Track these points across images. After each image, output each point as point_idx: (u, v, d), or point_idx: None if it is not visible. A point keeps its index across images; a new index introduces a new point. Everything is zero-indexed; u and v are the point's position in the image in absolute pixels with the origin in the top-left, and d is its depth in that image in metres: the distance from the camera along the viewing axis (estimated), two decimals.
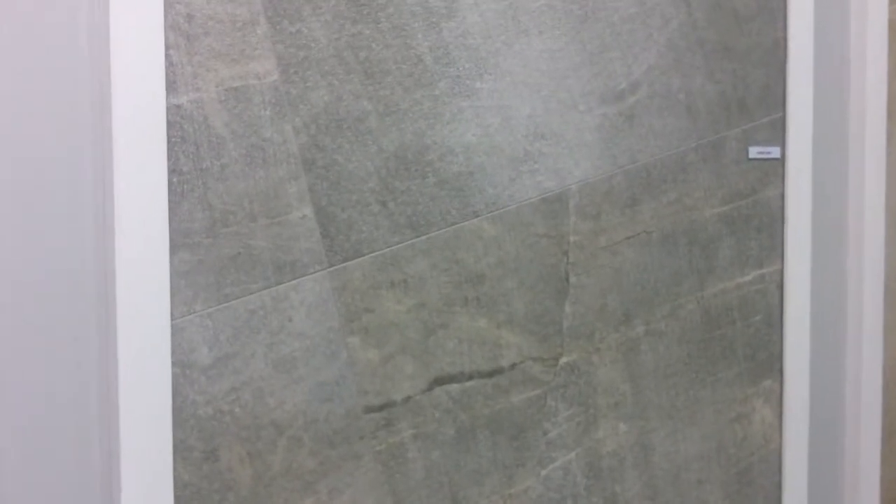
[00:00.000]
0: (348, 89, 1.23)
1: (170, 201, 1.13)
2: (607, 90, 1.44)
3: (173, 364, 1.14)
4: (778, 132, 1.61)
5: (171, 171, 1.13)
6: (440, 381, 1.33)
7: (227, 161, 1.16)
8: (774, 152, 1.60)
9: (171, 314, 1.13)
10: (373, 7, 1.24)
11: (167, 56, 1.12)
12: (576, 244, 1.43)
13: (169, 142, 1.12)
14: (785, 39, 1.60)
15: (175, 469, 1.14)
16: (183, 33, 1.13)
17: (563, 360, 1.44)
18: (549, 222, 1.41)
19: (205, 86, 1.14)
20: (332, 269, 1.24)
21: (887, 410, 1.76)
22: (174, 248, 1.13)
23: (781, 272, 1.63)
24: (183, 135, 1.13)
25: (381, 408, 1.28)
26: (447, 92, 1.30)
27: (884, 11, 1.69)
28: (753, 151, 1.59)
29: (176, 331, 1.14)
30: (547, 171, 1.40)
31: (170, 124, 1.12)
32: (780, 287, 1.63)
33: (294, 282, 1.21)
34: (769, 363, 1.63)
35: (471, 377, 1.35)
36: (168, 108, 1.12)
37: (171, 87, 1.12)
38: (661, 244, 1.51)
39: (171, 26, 1.12)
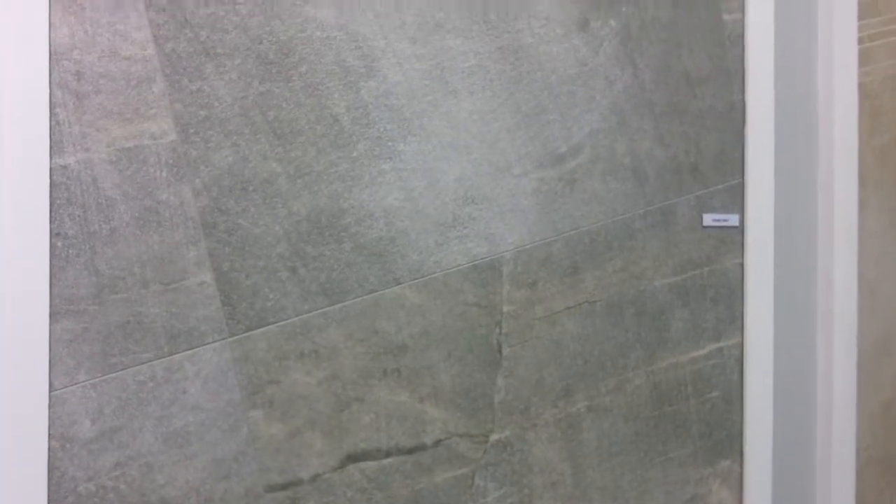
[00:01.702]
0: (255, 150, 1.14)
1: (52, 266, 1.04)
2: (545, 153, 1.33)
3: (51, 437, 1.04)
4: (736, 199, 1.48)
5: (55, 235, 1.04)
6: (354, 458, 1.21)
7: (117, 224, 1.07)
8: (732, 220, 1.48)
9: (51, 385, 1.04)
10: (284, 66, 1.15)
11: (53, 114, 1.04)
12: (510, 314, 1.32)
13: (53, 204, 1.03)
14: (743, 102, 1.48)
15: None
16: (71, 91, 1.05)
17: (494, 436, 1.31)
18: (480, 291, 1.29)
19: (94, 146, 1.06)
20: (233, 338, 1.13)
21: (861, 496, 1.59)
22: (56, 315, 1.04)
23: (741, 345, 1.49)
24: (69, 196, 1.05)
25: (285, 486, 1.16)
26: (366, 153, 1.21)
27: (853, 74, 1.57)
28: (708, 219, 1.46)
29: (55, 402, 1.04)
30: (477, 236, 1.29)
31: (54, 185, 1.04)
32: (740, 361, 1.49)
33: (190, 352, 1.11)
34: (728, 442, 1.48)
35: (389, 454, 1.23)
36: (53, 169, 1.04)
37: (57, 146, 1.04)
38: (605, 315, 1.39)
39: (58, 84, 1.04)
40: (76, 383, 1.05)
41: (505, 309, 1.31)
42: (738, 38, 1.46)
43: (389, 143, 1.21)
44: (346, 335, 1.20)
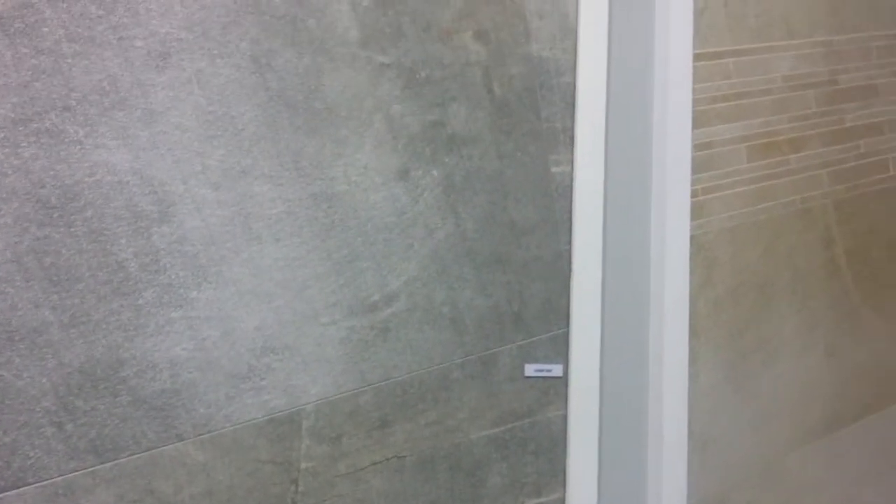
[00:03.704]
0: (26, 297, 1.09)
1: None
2: (357, 302, 1.30)
3: None
4: (560, 349, 1.47)
5: None
6: None
7: None
8: (556, 370, 1.46)
9: None
10: (66, 210, 1.11)
11: None
12: (308, 471, 1.26)
13: None
14: (569, 252, 1.49)
15: None
16: None
17: None
18: (276, 446, 1.24)
19: None
20: None
21: None
22: None
23: (563, 500, 1.46)
24: None
25: None
26: (153, 301, 1.16)
27: (686, 227, 1.60)
28: (530, 369, 1.45)
29: None
30: (275, 388, 1.24)
31: None
32: None
33: None
34: None
35: None
36: None
37: None
38: (416, 470, 1.35)
39: None
40: None
41: (303, 466, 1.25)
42: (566, 190, 1.47)
43: (181, 291, 1.17)
44: (116, 496, 1.13)
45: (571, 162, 1.46)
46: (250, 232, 1.22)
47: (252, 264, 1.22)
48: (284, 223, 1.24)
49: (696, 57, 1.57)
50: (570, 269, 1.47)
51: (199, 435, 1.17)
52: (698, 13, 1.57)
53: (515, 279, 1.42)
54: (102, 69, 1.11)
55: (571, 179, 1.47)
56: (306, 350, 1.25)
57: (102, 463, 1.11)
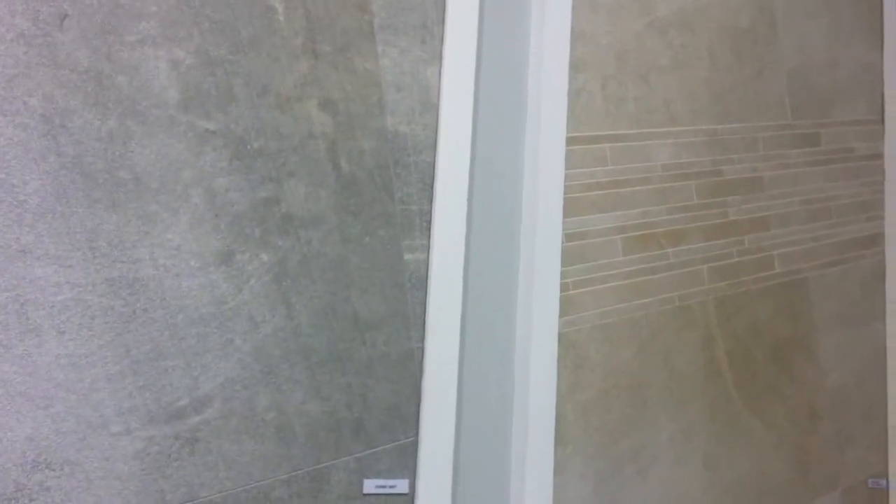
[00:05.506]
0: None
1: None
2: (158, 407, 1.12)
3: None
4: (407, 461, 1.31)
5: None
6: None
7: None
8: (400, 486, 1.30)
9: None
10: None
11: None
12: None
13: None
14: (422, 351, 1.34)
15: None
16: None
17: None
18: None
19: None
20: None
21: None
22: None
23: None
24: None
25: None
26: None
27: (554, 323, 1.47)
28: (370, 485, 1.28)
29: None
30: None
31: None
32: None
33: None
34: None
35: None
36: None
37: None
38: None
39: None
40: None
41: None
42: (421, 280, 1.33)
43: None
44: None
45: (428, 249, 1.33)
46: (27, 322, 1.03)
47: (27, 361, 1.03)
48: (71, 312, 1.06)
49: (570, 140, 1.47)
50: (421, 370, 1.32)
51: None
52: (573, 94, 1.47)
53: (357, 381, 1.26)
54: None
55: (427, 268, 1.33)
56: (91, 465, 1.06)
57: None
